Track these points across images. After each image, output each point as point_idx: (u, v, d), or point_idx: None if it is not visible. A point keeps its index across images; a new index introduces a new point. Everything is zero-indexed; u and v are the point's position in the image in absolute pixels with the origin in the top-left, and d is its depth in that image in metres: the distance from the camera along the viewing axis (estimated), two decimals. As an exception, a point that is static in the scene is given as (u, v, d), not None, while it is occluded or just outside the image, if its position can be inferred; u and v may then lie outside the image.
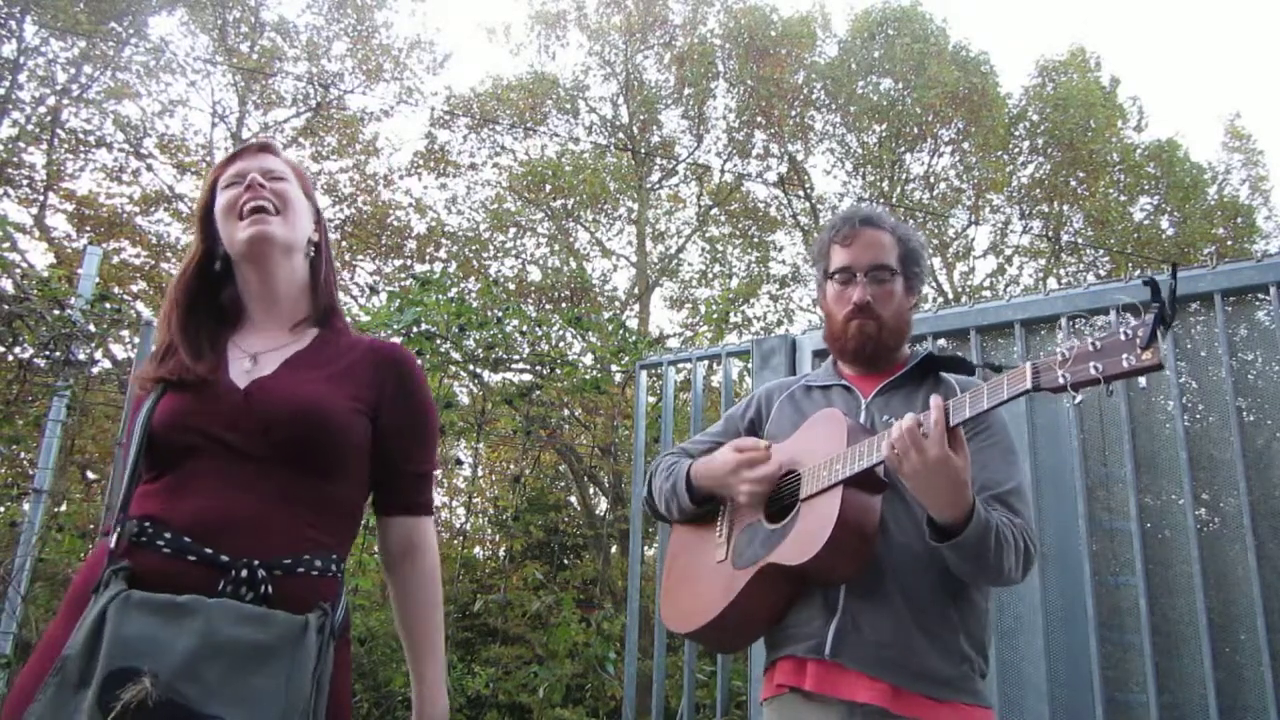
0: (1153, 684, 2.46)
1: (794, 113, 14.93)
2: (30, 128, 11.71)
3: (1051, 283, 14.14)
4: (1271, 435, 2.56)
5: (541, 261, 14.23)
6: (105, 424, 7.16)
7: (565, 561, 9.77)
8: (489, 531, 10.15)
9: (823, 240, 1.89)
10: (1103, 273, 14.52)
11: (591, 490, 10.62)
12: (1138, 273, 3.02)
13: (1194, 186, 14.55)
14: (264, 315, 1.51)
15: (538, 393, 6.39)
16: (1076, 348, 1.33)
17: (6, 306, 4.35)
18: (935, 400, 1.47)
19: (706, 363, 3.91)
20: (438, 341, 5.53)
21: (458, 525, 9.31)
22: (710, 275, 14.82)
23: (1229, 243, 14.40)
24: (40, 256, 11.28)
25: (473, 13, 36.37)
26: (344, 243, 13.44)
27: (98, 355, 4.76)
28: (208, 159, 12.67)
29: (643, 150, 15.01)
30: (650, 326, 13.79)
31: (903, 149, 15.06)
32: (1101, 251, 14.82)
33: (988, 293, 14.66)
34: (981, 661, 1.63)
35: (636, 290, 14.19)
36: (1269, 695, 2.32)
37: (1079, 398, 1.34)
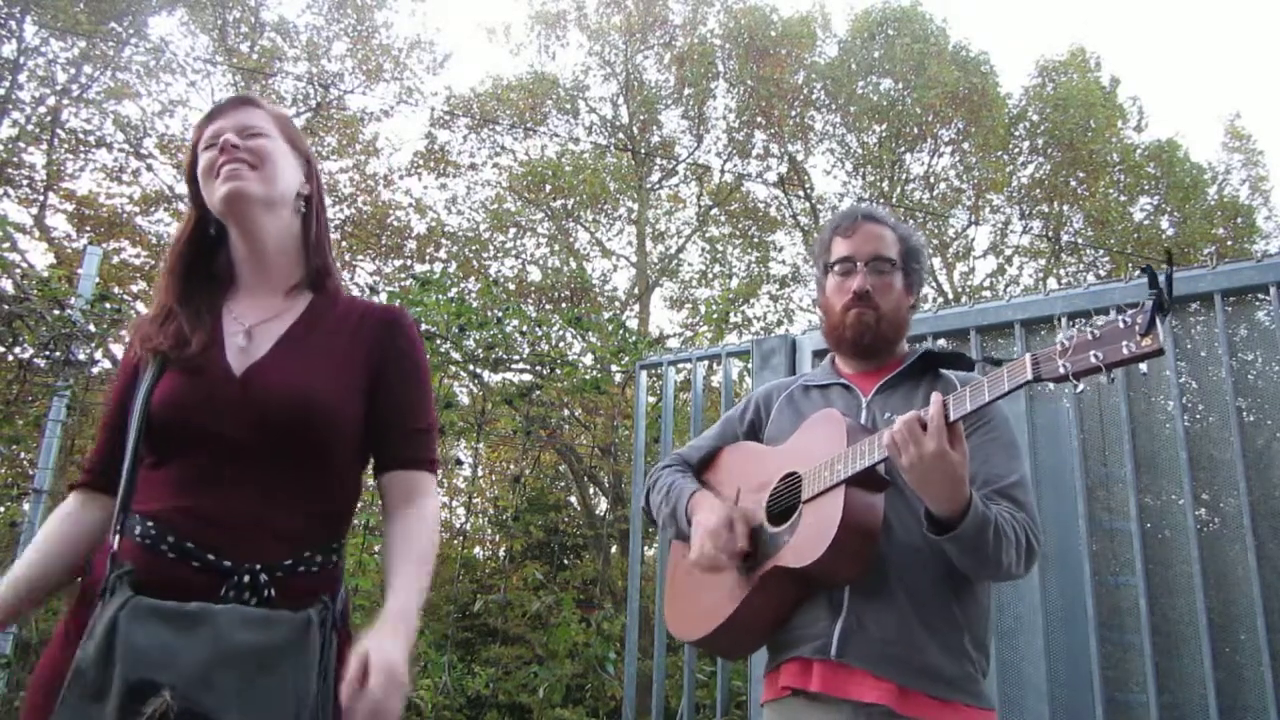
0: (1153, 684, 2.46)
1: (794, 113, 14.93)
2: (30, 128, 11.71)
3: (1051, 283, 14.15)
4: (1271, 435, 2.56)
5: (541, 261, 14.26)
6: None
7: (565, 561, 9.77)
8: (489, 531, 10.16)
9: (824, 236, 1.91)
10: (1103, 273, 14.52)
11: (591, 490, 10.63)
12: (1138, 272, 3.01)
13: (1194, 186, 14.55)
14: (256, 278, 1.48)
15: (538, 393, 6.39)
16: (1076, 337, 1.33)
17: (6, 306, 4.35)
18: (935, 396, 1.48)
19: (706, 363, 3.91)
20: (438, 341, 5.54)
21: (458, 525, 9.30)
22: (710, 275, 14.84)
23: (1229, 243, 14.41)
24: (40, 256, 11.28)
25: (473, 13, 36.40)
26: (344, 243, 13.43)
27: (98, 355, 4.76)
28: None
29: (643, 150, 15.02)
30: (650, 326, 13.80)
31: (903, 149, 15.06)
32: (1101, 251, 14.83)
33: (988, 293, 14.67)
34: (983, 660, 1.63)
35: (636, 290, 14.20)
36: (1269, 695, 2.32)
37: (1081, 387, 1.34)
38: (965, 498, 1.48)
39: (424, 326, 5.36)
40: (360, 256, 13.89)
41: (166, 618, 1.20)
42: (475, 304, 6.48)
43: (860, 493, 1.57)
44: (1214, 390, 2.63)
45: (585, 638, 6.72)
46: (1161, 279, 1.25)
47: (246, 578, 1.27)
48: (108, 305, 4.70)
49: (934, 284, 14.71)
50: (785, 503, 1.69)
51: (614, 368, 6.64)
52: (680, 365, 3.90)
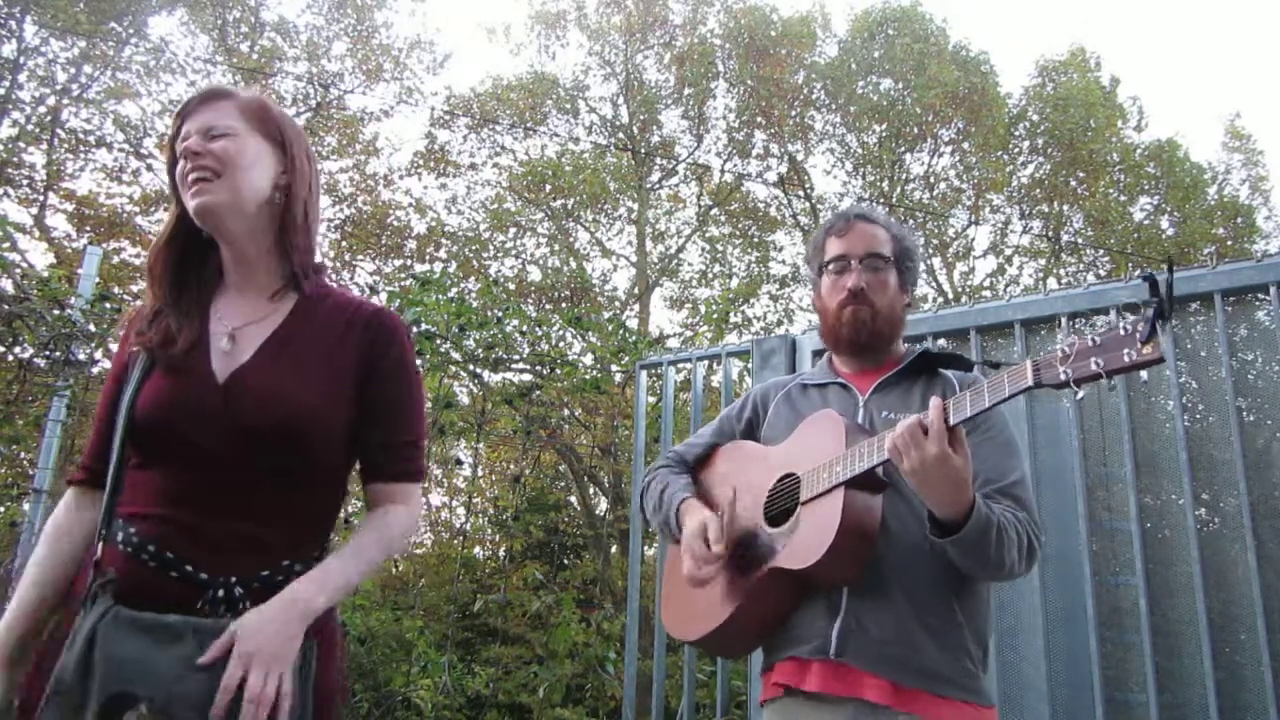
0: (1153, 684, 2.46)
1: (794, 113, 14.93)
2: (30, 128, 11.72)
3: (1051, 283, 14.15)
4: (1271, 435, 2.56)
5: (541, 261, 14.26)
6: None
7: (565, 561, 9.78)
8: (489, 531, 10.16)
9: (817, 237, 1.92)
10: (1103, 273, 14.53)
11: (591, 490, 10.63)
12: (1138, 272, 3.01)
13: (1194, 186, 14.56)
14: (242, 279, 1.47)
15: (538, 393, 6.39)
16: (1077, 344, 1.34)
17: (6, 306, 4.35)
18: (935, 400, 1.48)
19: (706, 363, 3.91)
20: (438, 341, 5.54)
21: (458, 525, 9.30)
22: (710, 275, 14.85)
23: (1229, 243, 14.41)
24: (40, 256, 11.30)
25: (473, 13, 36.41)
26: (344, 243, 13.45)
27: (98, 355, 4.75)
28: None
29: (643, 150, 15.02)
30: (650, 326, 13.80)
31: (903, 149, 15.06)
32: (1101, 251, 14.83)
33: (988, 293, 14.67)
34: (983, 658, 1.64)
35: (636, 290, 14.20)
36: (1269, 695, 2.32)
37: (1081, 393, 1.34)
38: (968, 500, 1.48)
39: (424, 326, 5.36)
40: (360, 256, 13.90)
41: (145, 629, 1.21)
42: (475, 304, 6.48)
43: (858, 495, 1.57)
44: (1214, 390, 2.63)
45: (585, 638, 6.72)
46: (1162, 287, 1.25)
47: (222, 591, 1.28)
48: (108, 305, 4.70)
49: (934, 284, 14.73)
50: (783, 504, 1.69)
51: (614, 368, 6.65)
52: (680, 365, 3.90)
